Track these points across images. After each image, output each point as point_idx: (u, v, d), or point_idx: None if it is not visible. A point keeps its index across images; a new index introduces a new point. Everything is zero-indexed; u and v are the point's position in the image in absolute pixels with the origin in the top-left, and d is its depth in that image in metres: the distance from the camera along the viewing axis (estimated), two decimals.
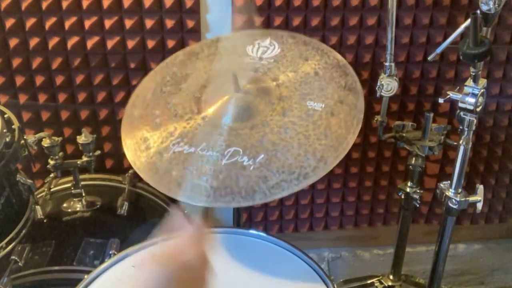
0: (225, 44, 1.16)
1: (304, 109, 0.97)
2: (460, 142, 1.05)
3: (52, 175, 1.29)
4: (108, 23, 1.29)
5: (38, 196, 1.21)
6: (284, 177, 0.87)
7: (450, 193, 1.10)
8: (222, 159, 0.90)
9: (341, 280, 1.53)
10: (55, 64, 1.32)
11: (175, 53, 1.18)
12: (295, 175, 0.87)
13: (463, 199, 1.09)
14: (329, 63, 1.06)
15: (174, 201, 1.43)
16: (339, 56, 1.07)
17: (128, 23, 1.29)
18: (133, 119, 1.03)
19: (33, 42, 1.29)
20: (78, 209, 1.22)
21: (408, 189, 1.31)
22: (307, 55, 1.09)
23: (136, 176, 1.34)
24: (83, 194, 1.24)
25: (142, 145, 0.97)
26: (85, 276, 0.92)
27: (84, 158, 1.22)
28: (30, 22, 1.27)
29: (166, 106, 1.04)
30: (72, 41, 1.30)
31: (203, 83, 1.06)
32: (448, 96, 1.01)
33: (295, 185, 0.86)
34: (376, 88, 1.16)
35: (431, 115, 1.21)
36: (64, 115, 1.38)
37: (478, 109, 1.00)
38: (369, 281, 1.50)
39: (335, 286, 0.91)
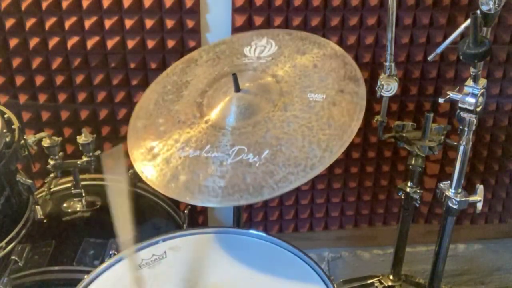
0: (223, 47, 1.16)
1: (305, 102, 0.97)
2: (460, 142, 1.05)
3: (52, 175, 1.29)
4: (108, 23, 1.29)
5: (38, 196, 1.21)
6: (290, 169, 0.86)
7: (450, 193, 1.10)
8: (227, 159, 0.90)
9: (341, 280, 1.53)
10: (55, 64, 1.32)
11: (175, 63, 1.19)
12: (302, 166, 0.86)
13: (463, 199, 1.09)
14: (327, 54, 1.06)
15: (174, 201, 1.44)
16: (336, 47, 1.07)
17: (128, 23, 1.29)
18: (137, 130, 1.04)
19: (33, 42, 1.29)
20: (78, 209, 1.22)
21: (408, 189, 1.31)
22: (305, 49, 1.09)
23: (136, 176, 1.35)
24: (83, 194, 1.24)
25: (148, 155, 0.97)
26: (85, 276, 0.92)
27: (84, 158, 1.22)
28: (30, 22, 1.27)
29: (169, 114, 1.04)
30: (72, 41, 1.30)
31: (204, 88, 1.07)
32: (448, 96, 1.01)
33: (302, 176, 0.85)
34: (376, 88, 1.16)
35: (431, 115, 1.21)
36: (64, 115, 1.39)
37: (478, 109, 0.99)
38: (369, 281, 1.50)
39: (335, 286, 0.91)
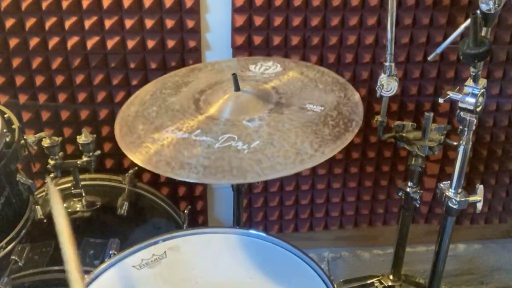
0: (229, 63, 1.20)
1: (303, 110, 0.98)
2: (460, 142, 1.05)
3: (52, 175, 1.29)
4: (108, 23, 1.29)
5: (38, 196, 1.21)
6: (279, 160, 0.86)
7: (450, 193, 1.10)
8: (215, 144, 0.90)
9: (341, 280, 1.53)
10: (55, 64, 1.32)
11: (179, 69, 1.22)
12: (291, 159, 0.86)
13: (463, 199, 1.09)
14: (329, 81, 1.10)
15: (174, 201, 1.44)
16: (339, 77, 1.11)
17: (128, 23, 1.29)
18: (128, 114, 1.05)
19: (33, 42, 1.29)
20: (78, 209, 1.22)
21: (408, 189, 1.31)
22: (308, 73, 1.13)
23: (136, 176, 1.35)
24: (83, 194, 1.24)
25: (134, 134, 0.97)
26: (85, 276, 0.92)
27: (84, 158, 1.22)
28: (30, 22, 1.27)
29: (164, 103, 1.05)
30: (72, 41, 1.30)
31: (204, 88, 1.08)
32: (448, 96, 1.01)
33: (291, 168, 0.85)
34: (376, 88, 1.16)
35: (431, 115, 1.21)
36: (64, 115, 1.39)
37: (478, 109, 0.99)
38: (369, 281, 1.50)
39: (335, 286, 0.91)
